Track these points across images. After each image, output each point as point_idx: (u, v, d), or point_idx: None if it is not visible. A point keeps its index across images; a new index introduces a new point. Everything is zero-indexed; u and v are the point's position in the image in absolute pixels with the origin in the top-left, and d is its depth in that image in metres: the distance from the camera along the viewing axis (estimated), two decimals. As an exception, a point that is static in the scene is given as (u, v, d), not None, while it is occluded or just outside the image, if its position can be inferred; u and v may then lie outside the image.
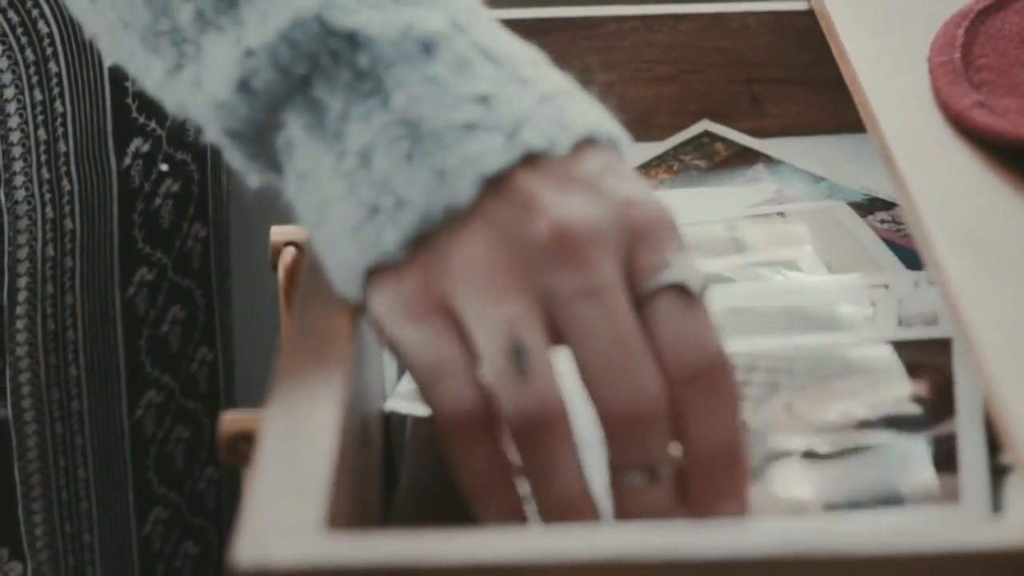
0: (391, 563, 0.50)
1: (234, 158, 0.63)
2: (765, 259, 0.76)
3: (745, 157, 0.86)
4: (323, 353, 0.58)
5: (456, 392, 0.57)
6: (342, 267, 0.60)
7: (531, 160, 0.59)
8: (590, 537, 0.51)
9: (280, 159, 0.61)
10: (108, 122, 0.85)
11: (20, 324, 0.85)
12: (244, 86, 0.60)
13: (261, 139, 0.61)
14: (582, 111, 0.60)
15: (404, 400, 0.68)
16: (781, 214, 0.80)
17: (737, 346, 0.64)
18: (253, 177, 0.63)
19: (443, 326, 0.58)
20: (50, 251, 0.85)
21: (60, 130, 0.83)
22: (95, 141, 0.84)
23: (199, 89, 0.61)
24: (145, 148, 0.86)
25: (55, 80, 0.82)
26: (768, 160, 0.85)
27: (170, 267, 0.90)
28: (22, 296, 0.85)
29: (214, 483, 0.97)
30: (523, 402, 0.56)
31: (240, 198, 0.96)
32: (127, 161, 0.86)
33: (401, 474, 0.67)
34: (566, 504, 0.57)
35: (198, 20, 0.61)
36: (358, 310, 0.60)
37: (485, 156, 0.58)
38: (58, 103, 0.82)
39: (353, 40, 0.59)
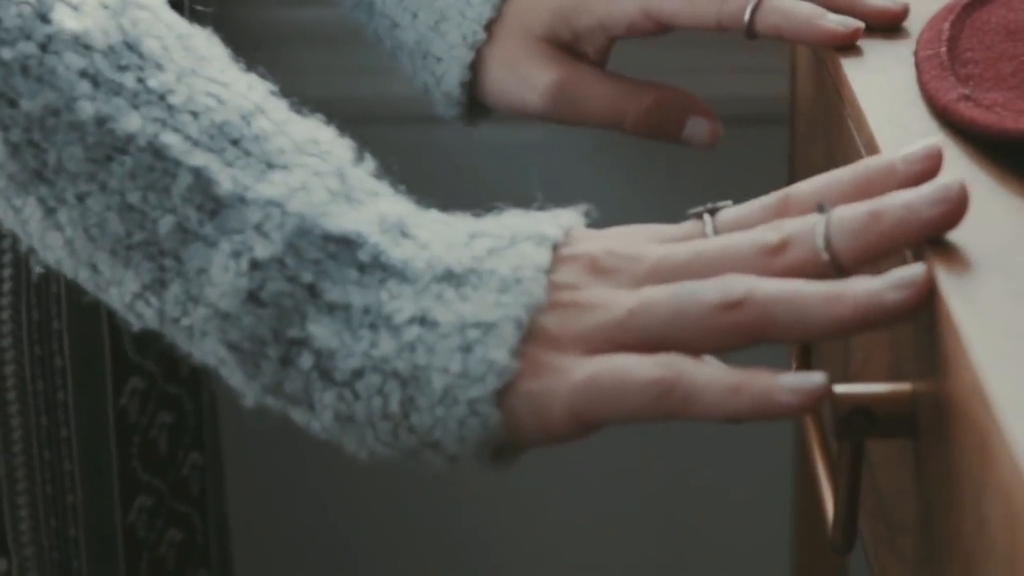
0: None
1: (233, 375, 0.62)
2: None
3: None
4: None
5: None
6: (474, 400, 0.59)
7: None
8: None
9: (310, 375, 0.60)
10: None
11: (5, 315, 0.85)
12: (253, 297, 0.60)
13: (263, 357, 0.61)
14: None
15: None
16: None
17: None
18: (249, 397, 0.62)
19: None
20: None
21: None
22: None
23: (196, 304, 0.61)
24: None
25: None
26: None
27: None
28: (7, 286, 0.85)
29: (198, 469, 0.97)
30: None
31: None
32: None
33: None
34: None
35: (177, 231, 0.61)
36: None
37: (533, 256, 0.60)
38: None
39: (348, 241, 0.60)
